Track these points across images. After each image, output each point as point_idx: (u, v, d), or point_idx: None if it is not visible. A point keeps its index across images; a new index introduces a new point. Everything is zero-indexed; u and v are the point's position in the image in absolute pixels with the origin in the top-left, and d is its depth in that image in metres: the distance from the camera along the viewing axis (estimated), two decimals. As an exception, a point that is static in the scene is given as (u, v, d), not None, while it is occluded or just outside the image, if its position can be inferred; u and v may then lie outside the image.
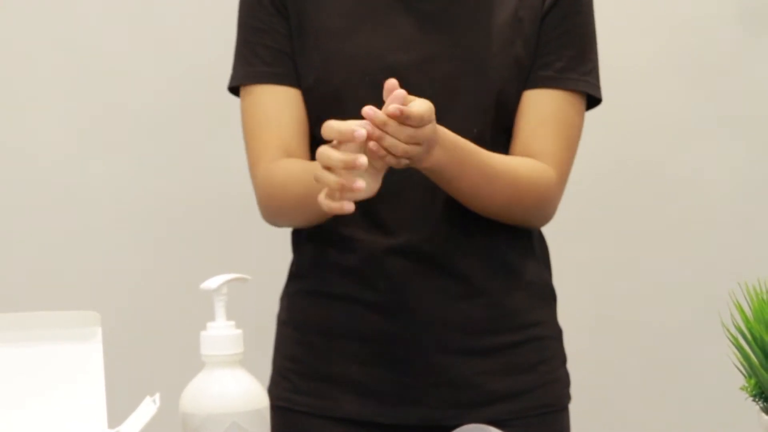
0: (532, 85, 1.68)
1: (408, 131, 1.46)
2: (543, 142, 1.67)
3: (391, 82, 1.46)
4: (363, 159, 1.43)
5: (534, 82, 1.68)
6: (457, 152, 1.56)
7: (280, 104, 1.69)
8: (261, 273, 1.70)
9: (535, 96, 1.68)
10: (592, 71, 1.71)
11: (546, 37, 1.68)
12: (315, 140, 1.68)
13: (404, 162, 1.49)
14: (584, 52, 1.70)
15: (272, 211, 1.70)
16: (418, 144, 1.47)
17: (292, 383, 1.71)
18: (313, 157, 1.61)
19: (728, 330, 1.29)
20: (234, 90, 1.74)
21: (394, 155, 1.47)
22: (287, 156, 1.68)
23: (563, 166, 1.69)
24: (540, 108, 1.68)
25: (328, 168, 1.45)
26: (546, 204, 1.69)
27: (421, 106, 1.46)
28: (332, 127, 1.45)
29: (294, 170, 1.65)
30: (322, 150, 1.45)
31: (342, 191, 1.43)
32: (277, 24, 1.69)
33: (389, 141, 1.45)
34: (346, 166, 1.42)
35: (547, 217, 1.72)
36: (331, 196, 1.45)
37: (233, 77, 1.73)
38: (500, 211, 1.66)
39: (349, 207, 1.44)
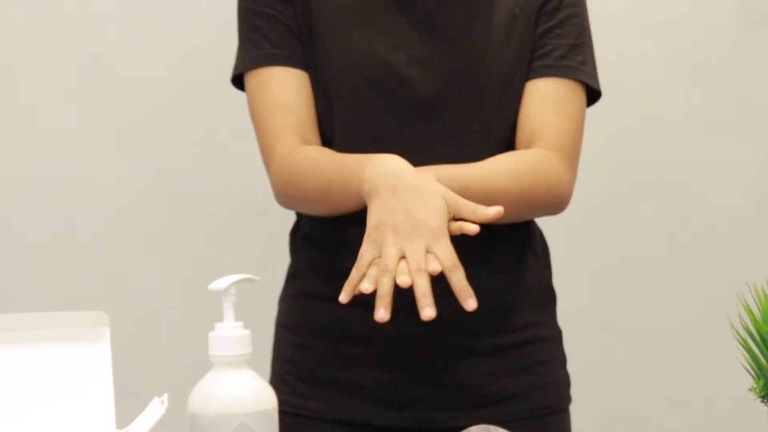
0: (532, 76, 1.69)
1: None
2: (545, 126, 1.67)
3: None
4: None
5: (534, 72, 1.69)
6: (454, 189, 1.55)
7: (291, 87, 1.68)
8: (269, 274, 1.70)
9: (535, 85, 1.69)
10: (588, 62, 1.71)
11: (542, 30, 1.69)
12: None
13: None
14: (580, 43, 1.71)
15: (289, 198, 1.69)
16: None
17: (290, 386, 1.70)
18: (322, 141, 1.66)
19: (737, 331, 1.29)
20: (236, 82, 1.73)
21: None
22: (302, 139, 1.67)
23: (569, 149, 1.68)
24: (540, 94, 1.68)
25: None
26: (556, 192, 1.67)
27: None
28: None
29: (315, 160, 1.64)
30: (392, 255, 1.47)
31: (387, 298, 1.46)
32: (284, 8, 1.68)
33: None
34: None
35: (562, 205, 1.70)
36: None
37: (240, 64, 1.71)
38: (516, 216, 1.66)
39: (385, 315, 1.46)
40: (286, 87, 1.68)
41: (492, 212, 1.50)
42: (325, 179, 1.60)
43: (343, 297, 1.47)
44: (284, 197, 1.69)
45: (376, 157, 1.55)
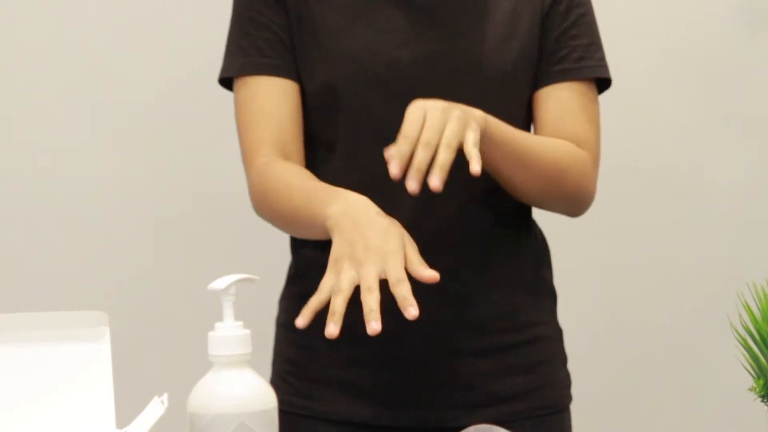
0: (549, 81, 1.69)
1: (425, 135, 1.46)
2: (572, 129, 1.68)
3: None
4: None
5: (551, 77, 1.69)
6: (500, 141, 1.55)
7: (277, 97, 1.68)
8: (269, 274, 1.70)
9: (556, 90, 1.69)
10: (604, 56, 1.73)
11: (555, 33, 1.69)
12: (314, 136, 1.68)
13: (455, 144, 1.46)
14: (595, 40, 1.72)
15: (262, 213, 1.70)
16: (444, 129, 1.47)
17: (291, 386, 1.70)
18: (307, 153, 1.67)
19: (736, 330, 1.29)
20: (224, 82, 1.73)
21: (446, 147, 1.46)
22: (281, 150, 1.67)
23: (595, 152, 1.70)
24: (563, 100, 1.68)
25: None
26: (584, 186, 1.68)
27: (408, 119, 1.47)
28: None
29: (287, 183, 1.63)
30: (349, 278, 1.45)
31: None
32: (276, 16, 1.68)
33: (421, 155, 1.45)
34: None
35: (586, 201, 1.70)
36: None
37: (227, 68, 1.71)
38: (542, 192, 1.66)
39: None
40: (271, 97, 1.68)
41: (426, 275, 1.45)
42: (294, 206, 1.60)
43: (300, 322, 1.46)
44: (258, 210, 1.70)
45: (343, 196, 1.54)
